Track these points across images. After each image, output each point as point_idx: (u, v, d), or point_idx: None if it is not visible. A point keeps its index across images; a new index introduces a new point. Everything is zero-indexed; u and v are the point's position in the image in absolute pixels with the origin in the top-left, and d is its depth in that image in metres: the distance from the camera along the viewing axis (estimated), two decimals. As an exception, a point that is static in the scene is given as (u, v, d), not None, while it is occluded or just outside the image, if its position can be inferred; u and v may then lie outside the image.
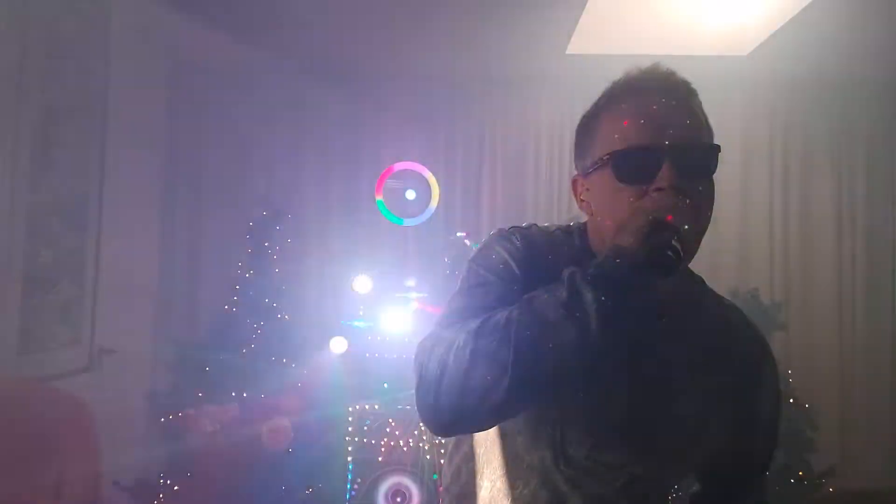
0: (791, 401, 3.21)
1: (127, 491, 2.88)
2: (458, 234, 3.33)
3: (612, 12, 3.08)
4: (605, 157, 0.91)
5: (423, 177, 3.45)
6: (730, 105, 3.99)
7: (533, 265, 0.95)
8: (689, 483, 1.13)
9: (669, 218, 0.80)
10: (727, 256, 3.99)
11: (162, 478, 2.97)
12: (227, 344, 3.18)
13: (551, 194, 4.09)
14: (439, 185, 3.54)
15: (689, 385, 0.96)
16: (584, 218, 1.04)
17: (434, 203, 3.46)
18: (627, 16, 3.11)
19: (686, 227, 0.80)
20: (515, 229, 1.01)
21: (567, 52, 3.49)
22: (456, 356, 0.82)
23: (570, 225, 1.05)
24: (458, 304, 0.94)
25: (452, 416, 0.84)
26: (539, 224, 1.05)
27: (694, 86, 0.95)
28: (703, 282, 1.06)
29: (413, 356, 0.91)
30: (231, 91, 3.96)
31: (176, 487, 2.93)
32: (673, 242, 0.79)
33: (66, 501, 1.92)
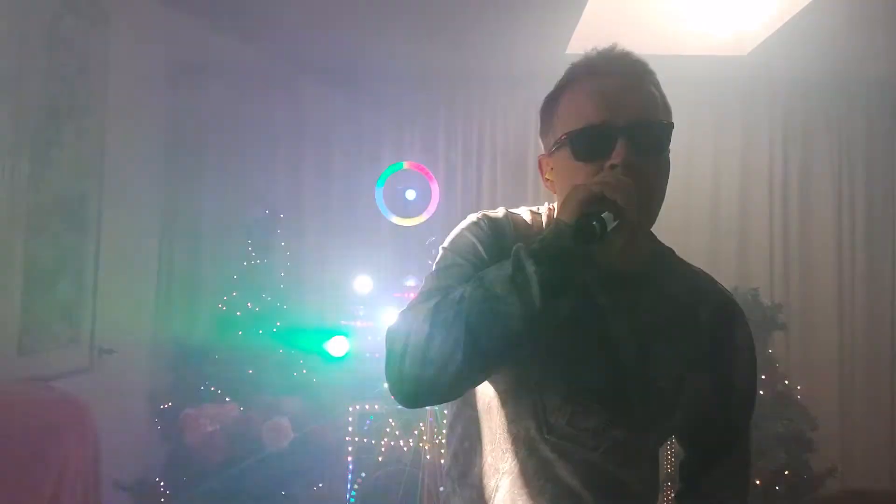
0: (791, 401, 3.21)
1: (127, 491, 2.88)
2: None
3: (612, 12, 3.08)
4: (562, 137, 0.97)
5: (423, 177, 3.44)
6: (730, 105, 3.99)
7: (500, 248, 0.98)
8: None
9: (607, 193, 0.84)
10: (727, 256, 3.99)
11: (162, 478, 2.97)
12: (228, 344, 3.19)
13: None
14: (439, 184, 3.54)
15: (662, 349, 1.00)
16: None
17: (434, 203, 3.46)
18: (627, 16, 3.11)
19: (623, 202, 0.83)
20: (484, 214, 1.06)
21: (567, 52, 3.49)
22: (416, 331, 0.87)
23: (540, 206, 1.11)
24: (429, 285, 0.99)
25: (415, 387, 0.89)
26: (511, 209, 1.10)
27: (651, 66, 0.98)
28: (673, 252, 1.10)
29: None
30: (231, 91, 3.96)
31: (176, 488, 2.93)
32: (602, 215, 0.82)
33: (66, 501, 1.92)
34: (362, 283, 3.33)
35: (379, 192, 3.35)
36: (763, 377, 3.17)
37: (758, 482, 3.05)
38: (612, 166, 0.90)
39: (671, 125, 0.97)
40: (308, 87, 3.98)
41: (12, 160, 2.42)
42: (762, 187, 4.07)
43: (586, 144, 0.94)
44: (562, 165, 0.99)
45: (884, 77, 3.94)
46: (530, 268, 0.82)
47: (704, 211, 3.93)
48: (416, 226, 3.48)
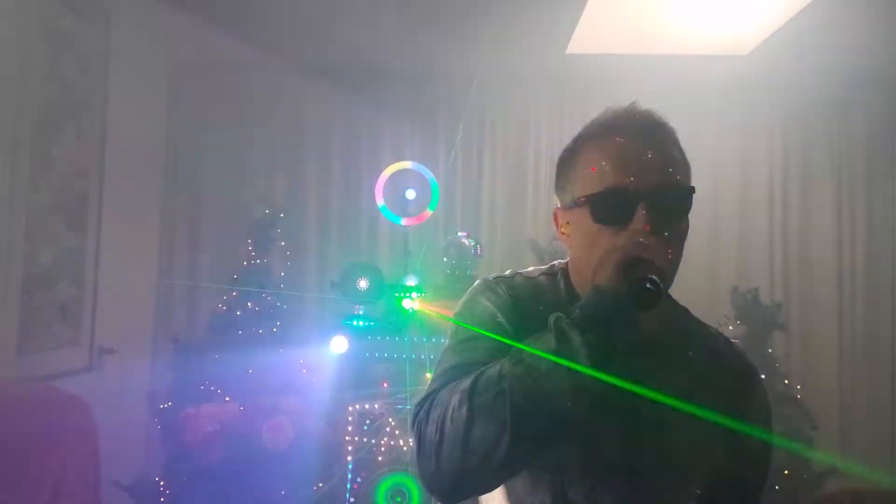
0: (791, 401, 3.21)
1: (127, 491, 2.88)
2: (459, 233, 3.32)
3: (612, 12, 3.07)
4: (582, 199, 0.94)
5: (423, 177, 3.44)
6: (730, 105, 3.99)
7: (520, 314, 0.95)
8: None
9: (643, 255, 0.83)
10: (727, 256, 3.99)
11: (162, 478, 2.97)
12: (228, 344, 3.18)
13: (551, 195, 4.09)
14: (439, 185, 3.53)
15: (683, 420, 0.97)
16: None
17: (434, 203, 3.45)
18: (627, 16, 3.11)
19: (660, 263, 0.82)
20: (499, 279, 1.02)
21: (567, 52, 3.48)
22: (453, 418, 0.81)
23: (552, 266, 1.07)
24: (450, 361, 0.94)
25: (456, 480, 0.83)
26: (521, 270, 1.06)
27: (670, 125, 0.97)
28: (688, 312, 1.08)
29: (410, 420, 0.91)
30: (231, 91, 3.96)
31: (176, 487, 2.93)
32: (651, 276, 0.81)
33: (66, 501, 1.92)
34: (362, 283, 3.33)
35: (384, 209, 3.34)
36: (763, 377, 3.16)
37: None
38: (633, 231, 0.88)
39: (692, 189, 0.97)
40: (308, 87, 3.98)
41: (12, 160, 2.42)
42: (762, 187, 4.07)
43: (607, 208, 0.92)
44: (580, 225, 0.96)
45: (884, 77, 3.94)
46: (576, 338, 0.78)
47: (705, 211, 3.92)
48: (416, 226, 3.47)
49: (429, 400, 0.88)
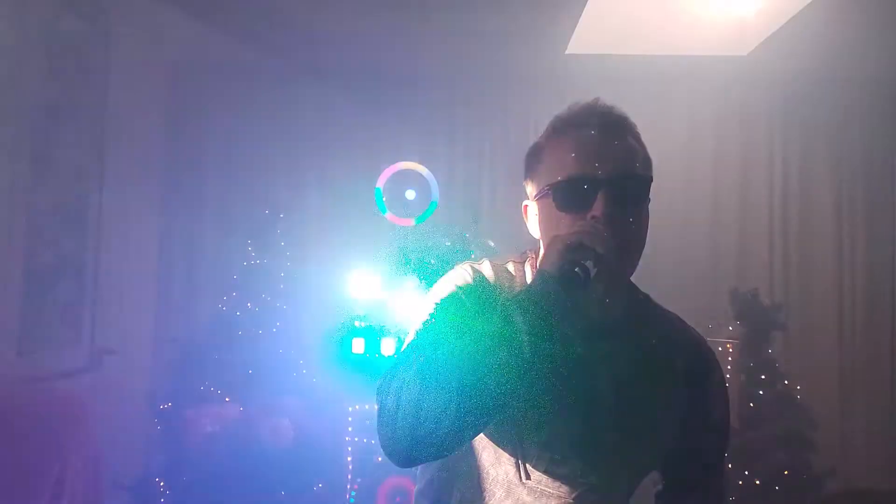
0: (791, 401, 3.21)
1: (127, 491, 2.88)
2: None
3: (612, 12, 3.08)
4: (546, 188, 1.00)
5: (423, 177, 3.44)
6: (729, 105, 3.98)
7: (485, 300, 1.00)
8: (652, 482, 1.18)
9: (586, 241, 0.88)
10: (727, 256, 3.98)
11: (162, 478, 2.97)
12: (228, 344, 3.19)
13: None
14: (439, 184, 3.53)
15: (638, 397, 1.03)
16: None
17: (434, 203, 3.45)
18: (627, 16, 3.11)
19: (602, 249, 0.87)
20: (469, 266, 1.08)
21: (567, 52, 3.48)
22: (408, 389, 0.87)
23: (523, 255, 1.12)
24: (415, 339, 1.00)
25: (410, 446, 0.88)
26: (494, 259, 1.12)
27: (631, 120, 1.02)
28: (649, 298, 1.13)
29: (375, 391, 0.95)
30: (231, 91, 3.96)
31: (176, 487, 2.93)
32: (584, 262, 0.87)
33: (66, 501, 1.92)
34: (362, 283, 3.33)
35: (379, 193, 3.34)
36: (763, 377, 3.17)
37: (757, 482, 3.05)
38: (593, 217, 0.94)
39: (650, 178, 1.01)
40: (308, 87, 3.98)
41: (12, 160, 2.42)
42: (762, 187, 4.07)
43: (568, 196, 0.97)
44: (545, 214, 1.03)
45: (884, 77, 3.94)
46: (518, 318, 0.84)
47: (704, 211, 3.92)
48: (416, 226, 3.47)
49: (391, 372, 0.93)
